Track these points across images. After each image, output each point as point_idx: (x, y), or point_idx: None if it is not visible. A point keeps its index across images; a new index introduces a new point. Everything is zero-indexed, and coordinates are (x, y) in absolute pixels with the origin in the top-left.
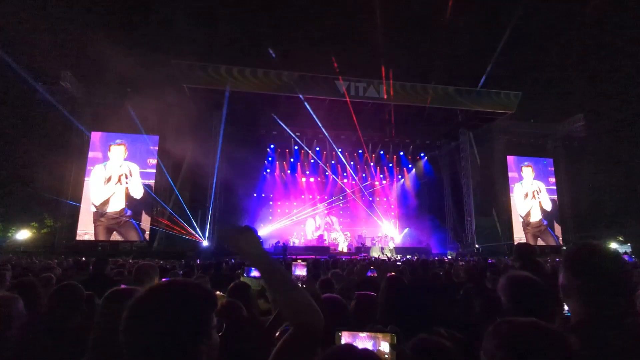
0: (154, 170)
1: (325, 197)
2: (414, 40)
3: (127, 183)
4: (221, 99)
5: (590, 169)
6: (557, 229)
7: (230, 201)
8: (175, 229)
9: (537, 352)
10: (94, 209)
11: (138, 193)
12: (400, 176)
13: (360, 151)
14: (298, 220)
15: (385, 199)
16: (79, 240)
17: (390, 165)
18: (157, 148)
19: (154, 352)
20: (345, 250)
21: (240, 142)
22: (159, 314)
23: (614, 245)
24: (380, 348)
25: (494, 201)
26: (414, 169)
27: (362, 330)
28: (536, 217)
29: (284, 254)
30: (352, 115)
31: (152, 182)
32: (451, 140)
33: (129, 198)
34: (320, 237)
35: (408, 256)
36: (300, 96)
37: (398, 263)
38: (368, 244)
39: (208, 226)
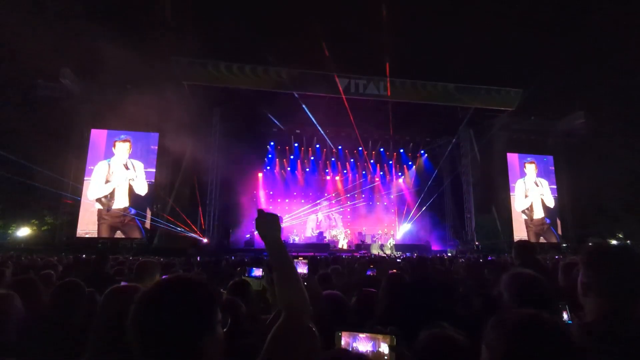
0: (154, 168)
1: (325, 195)
2: (415, 37)
3: (132, 180)
4: (221, 96)
5: (591, 166)
6: (559, 227)
7: (230, 198)
8: (177, 226)
9: (539, 342)
10: (99, 206)
11: (142, 190)
12: (400, 173)
13: (360, 148)
14: (298, 218)
15: (385, 196)
16: (79, 238)
17: (390, 162)
18: (156, 146)
19: (160, 345)
20: (345, 247)
21: (239, 139)
22: (166, 307)
23: (614, 243)
24: (379, 349)
25: (493, 198)
26: (414, 166)
27: (362, 331)
28: (539, 214)
29: None
30: (352, 112)
31: (152, 179)
32: (451, 138)
33: (133, 196)
34: (321, 234)
35: (407, 253)
36: (295, 94)
37: (398, 260)
38: (368, 241)
39: (209, 223)
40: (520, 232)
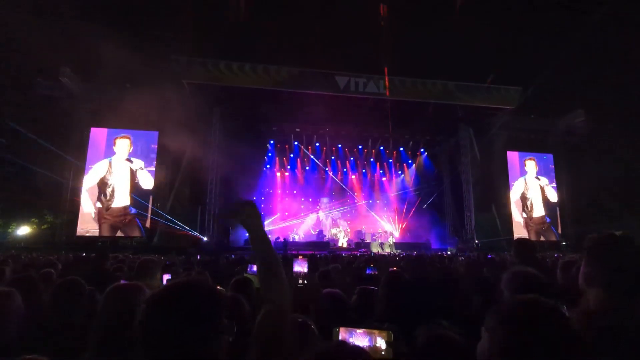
0: (154, 167)
1: (325, 193)
2: (414, 36)
3: (141, 169)
4: (220, 95)
5: (590, 164)
6: (559, 225)
7: (230, 197)
8: (176, 224)
9: (538, 326)
10: (100, 205)
11: (148, 183)
12: (400, 172)
13: (360, 147)
14: (298, 216)
15: (385, 195)
16: (80, 236)
17: (390, 160)
18: (156, 145)
19: (166, 348)
20: (345, 245)
21: (239, 138)
22: (174, 311)
23: (618, 233)
24: (376, 344)
25: (493, 197)
26: (413, 165)
27: (359, 327)
28: (539, 213)
29: (285, 249)
30: (352, 111)
31: (152, 178)
32: (451, 136)
33: (134, 195)
34: (320, 232)
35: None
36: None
37: (398, 259)
38: (368, 239)
39: (208, 222)
40: (520, 231)
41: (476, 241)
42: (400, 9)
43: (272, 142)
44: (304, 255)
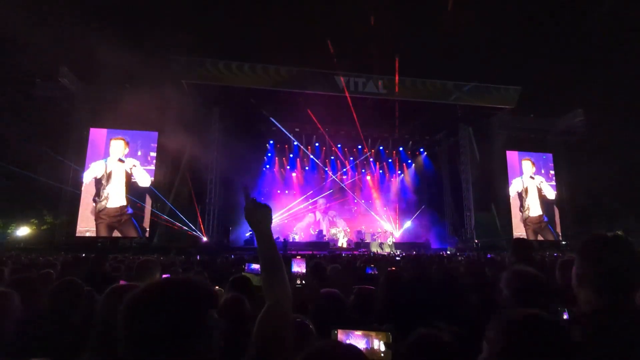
0: (153, 167)
1: (325, 193)
2: (414, 35)
3: (134, 167)
4: (220, 95)
5: (590, 163)
6: (557, 224)
7: (230, 197)
8: (175, 225)
9: (538, 340)
10: (95, 205)
11: (145, 181)
12: (399, 171)
13: (359, 147)
14: (298, 216)
15: (384, 194)
16: (79, 237)
17: (390, 160)
18: (156, 145)
19: (146, 348)
20: (344, 245)
21: (239, 138)
22: (153, 311)
23: (609, 234)
24: (373, 346)
25: (493, 196)
26: (413, 165)
27: (357, 328)
28: (536, 212)
29: (285, 249)
30: (352, 110)
31: (151, 178)
32: (450, 136)
33: (130, 195)
34: (320, 232)
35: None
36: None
37: (397, 258)
38: (367, 239)
39: (208, 222)
40: (519, 230)
41: (476, 240)
42: (400, 9)
43: (271, 142)
44: (302, 256)
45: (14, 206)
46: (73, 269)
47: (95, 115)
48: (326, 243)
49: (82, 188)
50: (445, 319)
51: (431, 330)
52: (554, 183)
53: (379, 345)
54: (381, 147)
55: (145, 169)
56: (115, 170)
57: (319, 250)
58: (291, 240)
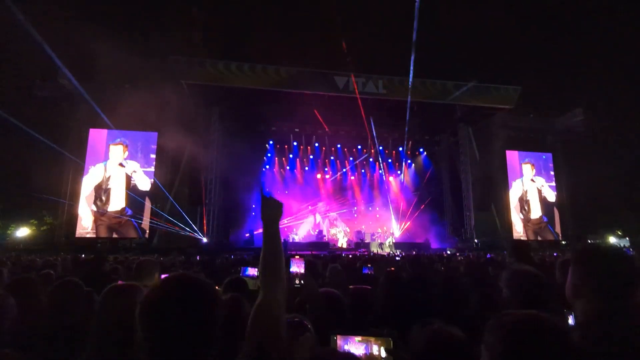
0: (153, 167)
1: (325, 193)
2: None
3: (135, 172)
4: (219, 95)
5: (589, 163)
6: (557, 224)
7: (230, 197)
8: (175, 225)
9: (538, 344)
10: (95, 208)
11: (145, 185)
12: (399, 171)
13: (359, 147)
14: (298, 216)
15: (384, 194)
16: (79, 238)
17: (390, 160)
18: (155, 145)
19: (165, 340)
20: (344, 246)
21: (239, 138)
22: (172, 304)
23: (612, 239)
24: (372, 352)
25: (493, 196)
26: (413, 165)
27: (357, 334)
28: (536, 213)
29: (285, 249)
30: (351, 111)
31: (151, 181)
32: (450, 136)
33: (130, 197)
34: (320, 232)
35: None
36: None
37: (397, 258)
38: (367, 239)
39: (208, 222)
40: (519, 230)
41: (475, 240)
42: (400, 8)
43: (271, 142)
44: (301, 256)
45: (14, 207)
46: (73, 270)
47: (95, 115)
48: (326, 243)
49: (82, 191)
50: (445, 320)
51: (443, 326)
52: (553, 183)
53: (379, 351)
54: (381, 147)
55: (145, 171)
56: (115, 174)
57: (319, 251)
58: (291, 240)
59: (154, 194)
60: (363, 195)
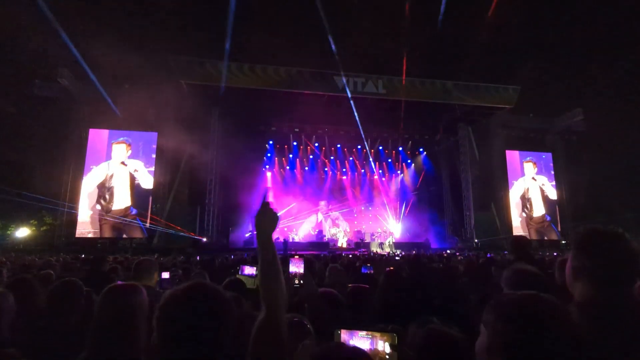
0: (153, 167)
1: (324, 193)
2: (413, 36)
3: (137, 171)
4: (219, 95)
5: (589, 162)
6: (559, 223)
7: (229, 197)
8: (176, 225)
9: (538, 321)
10: (100, 208)
11: (148, 183)
12: (399, 171)
13: (359, 147)
14: (298, 216)
15: (384, 195)
16: (79, 238)
17: (389, 160)
18: (155, 145)
19: (183, 340)
20: (344, 245)
21: (238, 138)
22: (191, 307)
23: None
24: (377, 347)
25: (492, 196)
26: (413, 164)
27: (362, 329)
28: (539, 212)
29: (285, 249)
30: (351, 110)
31: (151, 178)
32: (450, 135)
33: (135, 196)
34: (320, 232)
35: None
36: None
37: (397, 258)
38: (367, 239)
39: (207, 222)
40: (519, 230)
41: (475, 240)
42: (399, 9)
43: (271, 142)
44: (300, 255)
45: (14, 207)
46: (73, 270)
47: (95, 115)
48: (326, 243)
49: (83, 190)
50: (445, 319)
51: (440, 326)
52: (553, 183)
53: (383, 346)
54: (381, 147)
55: (147, 170)
56: (118, 172)
57: (319, 251)
58: (291, 240)
59: (154, 193)
60: (363, 195)
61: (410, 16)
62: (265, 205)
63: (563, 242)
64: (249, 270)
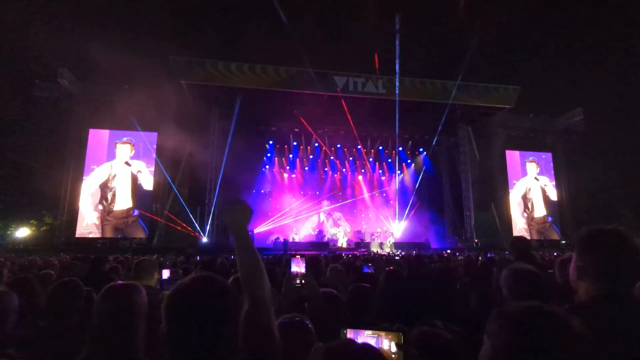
0: (153, 167)
1: (324, 193)
2: (413, 36)
3: (140, 172)
4: (219, 95)
5: (589, 162)
6: (559, 223)
7: (229, 197)
8: (176, 225)
9: (541, 332)
10: (102, 208)
11: (149, 184)
12: (399, 171)
13: (359, 147)
14: (298, 216)
15: (384, 195)
16: (79, 238)
17: (389, 160)
18: (155, 145)
19: (185, 336)
20: (344, 245)
21: (238, 138)
22: (198, 298)
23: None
24: (382, 346)
25: (493, 196)
26: (413, 164)
27: (368, 328)
28: (540, 212)
29: (285, 249)
30: (351, 111)
31: (152, 178)
32: (450, 135)
33: (137, 197)
34: (320, 232)
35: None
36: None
37: (397, 257)
38: (367, 239)
39: (207, 222)
40: (520, 230)
41: (475, 240)
42: (399, 9)
43: (271, 142)
44: (302, 255)
45: (14, 207)
46: (72, 270)
47: (95, 116)
48: (326, 243)
49: (84, 191)
50: (445, 319)
51: (431, 328)
52: (554, 183)
53: (389, 345)
54: (381, 147)
55: (149, 170)
56: (121, 173)
57: (319, 250)
58: (291, 240)
59: (155, 194)
60: (363, 195)
61: (411, 17)
62: (236, 200)
63: (563, 242)
64: None
